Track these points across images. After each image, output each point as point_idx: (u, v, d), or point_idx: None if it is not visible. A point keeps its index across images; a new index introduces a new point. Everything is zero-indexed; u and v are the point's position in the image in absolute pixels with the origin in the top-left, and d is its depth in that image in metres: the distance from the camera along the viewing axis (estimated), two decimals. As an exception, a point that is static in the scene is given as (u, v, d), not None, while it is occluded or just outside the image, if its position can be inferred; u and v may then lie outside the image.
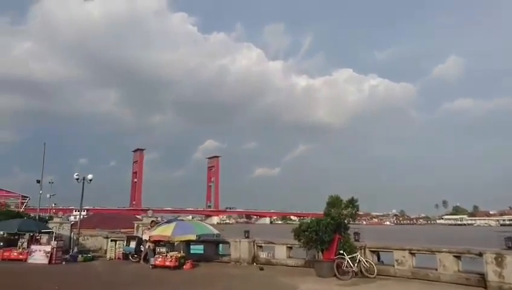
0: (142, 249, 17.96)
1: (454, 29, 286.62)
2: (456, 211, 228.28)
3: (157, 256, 15.93)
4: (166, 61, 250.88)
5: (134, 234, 20.08)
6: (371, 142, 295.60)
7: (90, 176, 22.65)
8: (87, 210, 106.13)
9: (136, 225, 20.81)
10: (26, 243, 20.42)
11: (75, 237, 22.93)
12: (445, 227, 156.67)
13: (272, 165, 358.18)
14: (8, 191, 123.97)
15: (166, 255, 15.84)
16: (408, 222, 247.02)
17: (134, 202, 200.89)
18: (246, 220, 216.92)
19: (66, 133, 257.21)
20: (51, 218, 30.11)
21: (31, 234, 20.43)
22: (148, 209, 32.28)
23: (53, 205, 60.26)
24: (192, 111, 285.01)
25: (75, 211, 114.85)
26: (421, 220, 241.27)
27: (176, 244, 16.86)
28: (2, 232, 25.20)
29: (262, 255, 17.05)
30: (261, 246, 17.43)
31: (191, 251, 17.83)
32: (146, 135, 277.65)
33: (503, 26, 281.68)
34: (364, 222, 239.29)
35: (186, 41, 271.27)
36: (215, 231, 15.99)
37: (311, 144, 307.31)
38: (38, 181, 26.85)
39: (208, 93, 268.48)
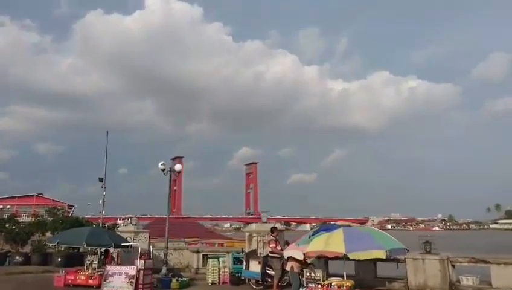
0: (271, 271, 12.41)
1: (496, 24, 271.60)
2: (509, 215, 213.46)
3: (310, 285, 10.18)
4: (202, 71, 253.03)
5: (247, 248, 14.58)
6: (411, 145, 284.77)
7: (178, 167, 17.46)
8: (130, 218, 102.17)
9: (247, 234, 15.10)
10: (96, 262, 15.27)
11: (157, 253, 17.63)
12: (502, 232, 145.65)
13: (307, 171, 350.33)
14: (55, 200, 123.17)
15: (324, 283, 10.09)
16: (457, 227, 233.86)
17: (174, 210, 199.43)
18: (285, 226, 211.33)
19: (105, 143, 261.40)
20: (114, 227, 25.17)
21: (101, 250, 15.31)
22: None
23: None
24: (228, 119, 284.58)
25: (119, 219, 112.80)
26: (472, 225, 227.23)
27: (309, 262, 11.25)
28: (60, 246, 20.31)
29: (466, 281, 10.96)
30: (454, 266, 11.37)
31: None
32: (182, 144, 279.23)
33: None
34: (411, 228, 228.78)
35: (221, 50, 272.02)
36: (402, 245, 10.03)
37: (347, 149, 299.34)
38: (101, 179, 21.80)
39: (243, 101, 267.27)
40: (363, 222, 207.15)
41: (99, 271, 14.41)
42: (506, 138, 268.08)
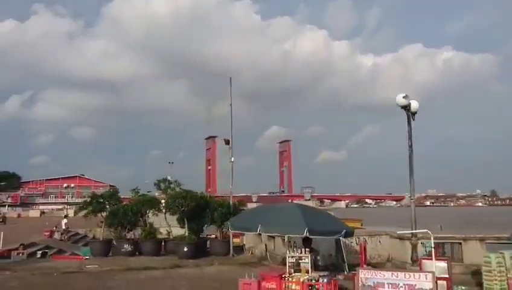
0: None
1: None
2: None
3: None
4: (231, 51, 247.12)
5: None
6: (447, 119, 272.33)
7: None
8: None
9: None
10: (308, 262, 10.26)
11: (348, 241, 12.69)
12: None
13: (338, 148, 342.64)
14: (97, 181, 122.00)
15: None
16: (501, 202, 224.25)
17: (209, 189, 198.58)
18: (319, 204, 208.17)
19: (139, 127, 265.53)
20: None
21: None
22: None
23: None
24: (257, 98, 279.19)
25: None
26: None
27: None
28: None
29: None
30: None
31: None
32: (213, 125, 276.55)
33: None
34: (452, 204, 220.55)
35: (250, 29, 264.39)
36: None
37: (379, 126, 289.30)
38: (227, 142, 17.40)
39: (272, 80, 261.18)
40: (399, 199, 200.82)
41: (320, 276, 9.36)
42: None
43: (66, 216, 31.43)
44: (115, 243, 18.05)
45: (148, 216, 18.58)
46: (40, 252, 18.69)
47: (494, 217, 59.93)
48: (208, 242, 18.52)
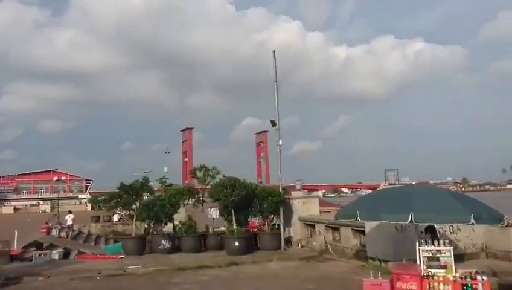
0: None
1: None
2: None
3: None
4: (204, 42, 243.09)
5: None
6: (418, 109, 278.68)
7: None
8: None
9: None
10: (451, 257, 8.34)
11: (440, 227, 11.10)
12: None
13: (312, 139, 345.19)
14: (72, 175, 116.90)
15: None
16: (472, 189, 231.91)
17: (186, 182, 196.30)
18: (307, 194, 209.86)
19: (110, 119, 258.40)
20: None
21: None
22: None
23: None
24: (231, 90, 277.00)
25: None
26: (488, 187, 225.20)
27: None
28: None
29: None
30: None
31: None
32: (187, 117, 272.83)
33: None
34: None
35: (224, 20, 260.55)
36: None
37: (352, 116, 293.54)
38: (273, 123, 15.91)
39: (247, 70, 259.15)
40: (374, 188, 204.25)
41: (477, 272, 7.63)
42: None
43: (70, 212, 28.68)
44: (150, 239, 15.85)
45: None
46: (60, 252, 16.23)
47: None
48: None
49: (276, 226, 16.80)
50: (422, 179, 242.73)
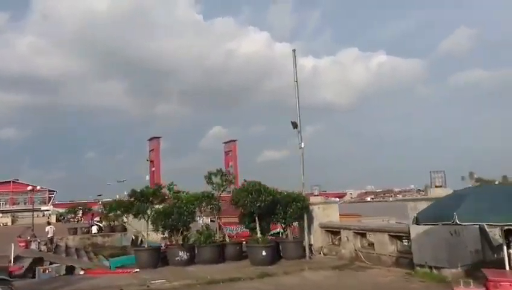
0: None
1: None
2: (480, 182, 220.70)
3: None
4: (171, 50, 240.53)
5: None
6: (380, 119, 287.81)
7: None
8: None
9: None
10: None
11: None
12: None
13: (279, 148, 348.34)
14: (34, 185, 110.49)
15: None
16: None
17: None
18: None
19: (72, 127, 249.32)
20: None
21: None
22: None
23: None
24: (199, 98, 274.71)
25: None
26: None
27: None
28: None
29: None
30: None
31: None
32: (154, 125, 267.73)
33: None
34: (391, 199, 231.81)
35: (192, 29, 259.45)
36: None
37: (319, 125, 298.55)
38: (295, 125, 15.09)
39: (214, 80, 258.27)
40: (341, 196, 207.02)
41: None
42: (468, 110, 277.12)
43: (49, 223, 26.67)
44: (165, 250, 14.52)
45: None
46: (61, 267, 14.56)
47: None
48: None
49: (281, 235, 16.19)
50: (386, 187, 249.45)
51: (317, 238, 16.15)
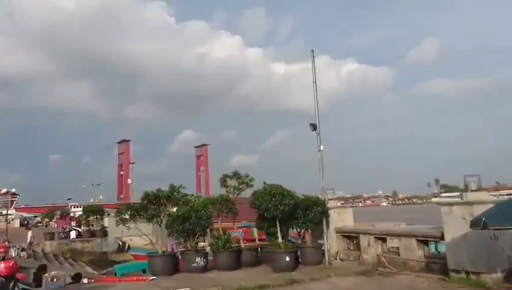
0: None
1: (430, 10, 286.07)
2: (446, 189, 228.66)
3: None
4: (142, 52, 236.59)
5: None
6: (350, 126, 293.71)
7: None
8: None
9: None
10: None
11: None
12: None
13: (250, 153, 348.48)
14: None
15: None
16: (401, 202, 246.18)
17: (122, 195, 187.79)
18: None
19: (37, 129, 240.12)
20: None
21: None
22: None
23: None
24: (169, 102, 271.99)
25: (73, 207, 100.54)
26: (415, 199, 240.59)
27: None
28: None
29: None
30: None
31: None
32: (123, 128, 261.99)
33: (477, 6, 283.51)
34: (360, 204, 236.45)
35: (163, 31, 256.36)
36: None
37: (289, 131, 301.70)
38: (314, 127, 14.81)
39: (185, 83, 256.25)
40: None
41: None
42: (433, 118, 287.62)
43: (29, 228, 25.13)
44: (180, 256, 13.69)
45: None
46: (66, 275, 13.44)
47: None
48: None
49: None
50: (355, 193, 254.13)
51: (332, 244, 15.74)
